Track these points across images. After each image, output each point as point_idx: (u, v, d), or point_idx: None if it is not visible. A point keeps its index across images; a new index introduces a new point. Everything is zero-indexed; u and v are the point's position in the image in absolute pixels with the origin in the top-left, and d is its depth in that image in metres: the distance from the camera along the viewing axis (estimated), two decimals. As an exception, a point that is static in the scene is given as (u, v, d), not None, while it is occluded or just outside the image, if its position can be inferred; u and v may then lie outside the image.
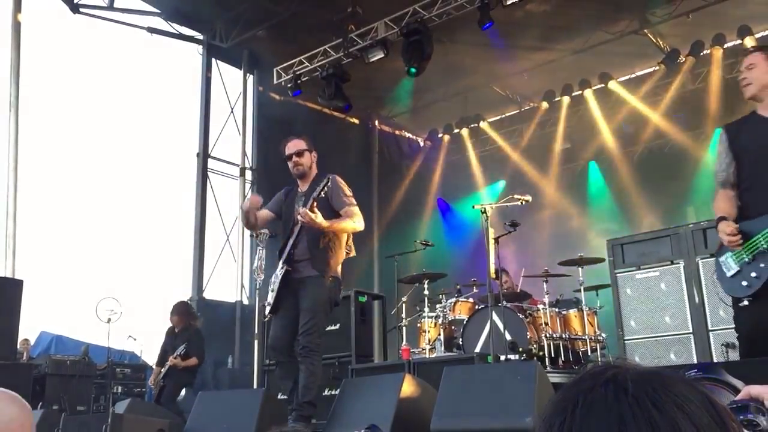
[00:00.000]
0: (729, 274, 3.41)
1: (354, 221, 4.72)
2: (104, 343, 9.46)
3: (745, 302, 3.32)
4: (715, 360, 5.91)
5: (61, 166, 9.97)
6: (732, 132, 3.63)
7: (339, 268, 4.82)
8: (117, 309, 9.38)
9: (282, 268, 4.71)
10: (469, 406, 4.31)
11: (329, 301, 4.76)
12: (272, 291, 4.79)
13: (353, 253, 4.95)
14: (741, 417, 1.02)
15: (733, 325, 5.58)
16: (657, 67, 11.60)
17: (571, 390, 0.79)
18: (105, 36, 10.76)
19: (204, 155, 11.22)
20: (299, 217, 4.47)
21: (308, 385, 4.77)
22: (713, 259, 6.02)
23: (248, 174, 11.88)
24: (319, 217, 4.47)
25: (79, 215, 9.98)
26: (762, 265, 3.26)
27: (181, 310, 8.30)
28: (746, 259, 3.33)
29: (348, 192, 4.86)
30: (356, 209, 4.76)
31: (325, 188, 4.57)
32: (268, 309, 4.83)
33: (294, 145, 5.04)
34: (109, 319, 9.22)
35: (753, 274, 3.29)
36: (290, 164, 5.03)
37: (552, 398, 0.81)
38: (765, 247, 3.25)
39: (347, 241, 4.88)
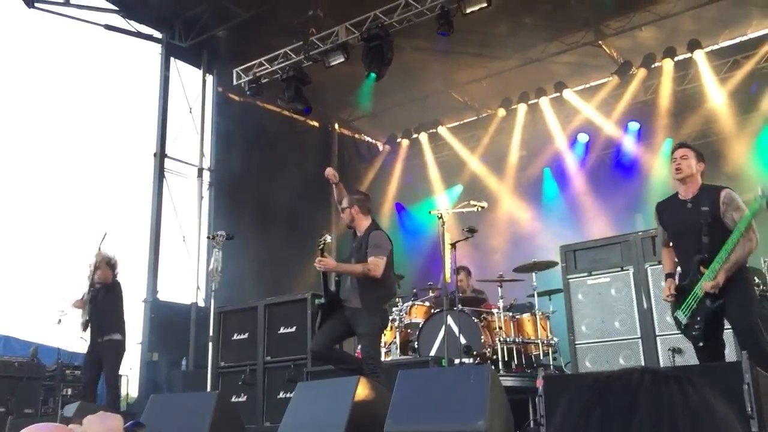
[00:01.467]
0: (683, 324, 4.50)
1: (363, 268, 5.47)
2: (54, 344, 9.30)
3: (700, 344, 4.42)
4: (662, 364, 6.10)
5: (12, 163, 9.75)
6: (660, 210, 4.77)
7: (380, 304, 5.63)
8: (67, 310, 9.21)
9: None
10: (423, 409, 4.36)
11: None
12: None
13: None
14: None
15: (678, 332, 5.86)
16: (610, 78, 11.88)
17: (592, 390, 0.83)
18: (61, 32, 10.59)
19: (161, 155, 11.08)
20: (316, 265, 5.53)
21: None
22: (661, 266, 6.28)
23: (206, 175, 11.77)
24: (331, 262, 5.63)
25: (30, 214, 9.77)
26: (699, 318, 4.41)
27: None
28: (688, 314, 4.46)
29: (377, 243, 5.59)
30: (373, 259, 5.48)
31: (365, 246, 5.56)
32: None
33: (343, 202, 5.97)
34: (60, 320, 9.04)
35: (697, 326, 4.41)
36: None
37: (569, 398, 0.84)
38: (695, 306, 4.42)
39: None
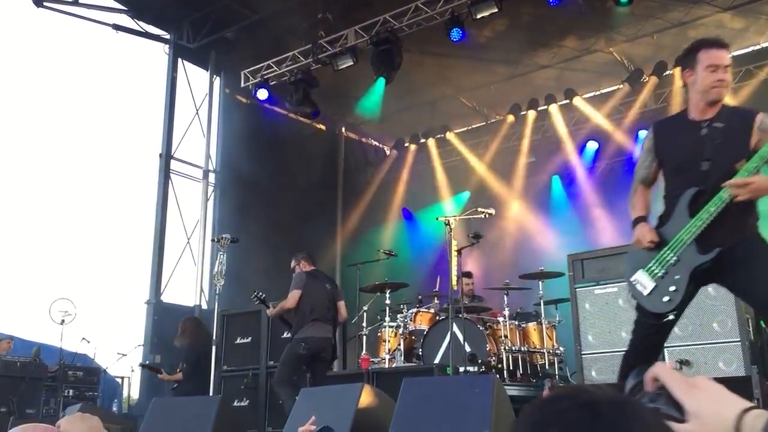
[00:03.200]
0: (646, 292, 3.27)
1: (287, 303, 6.52)
2: (57, 344, 9.25)
3: (671, 317, 3.23)
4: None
5: (18, 162, 9.73)
6: (659, 131, 3.53)
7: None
8: (71, 310, 9.18)
9: None
10: (427, 418, 4.30)
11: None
12: None
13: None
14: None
15: (689, 341, 5.70)
16: (621, 86, 11.80)
17: (546, 409, 0.80)
18: (69, 32, 10.57)
19: (167, 156, 11.05)
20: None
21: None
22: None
23: (211, 177, 11.73)
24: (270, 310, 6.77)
25: (34, 214, 9.75)
26: (677, 277, 3.17)
27: (181, 328, 8.34)
28: (659, 274, 3.24)
29: (294, 281, 6.65)
30: (292, 293, 6.53)
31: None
32: None
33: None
34: (63, 321, 9.01)
35: (671, 288, 3.19)
36: None
37: (523, 416, 0.82)
38: (675, 259, 3.20)
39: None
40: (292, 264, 6.87)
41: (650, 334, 3.34)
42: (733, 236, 3.14)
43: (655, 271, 3.24)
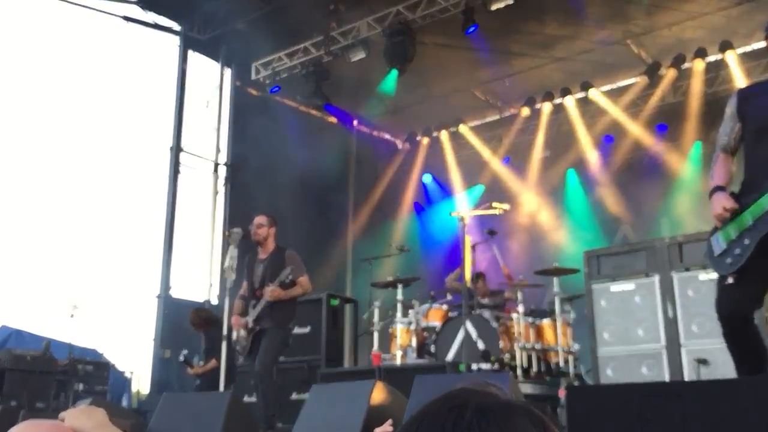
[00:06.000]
0: (717, 252, 3.29)
1: (305, 289, 6.01)
2: (66, 339, 9.22)
3: (730, 280, 3.18)
4: (686, 375, 5.87)
5: (27, 156, 9.68)
6: (744, 95, 3.45)
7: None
8: (80, 304, 9.15)
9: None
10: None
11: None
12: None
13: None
14: None
15: (706, 340, 5.57)
16: (638, 78, 11.60)
17: (423, 409, 0.89)
18: (78, 23, 10.49)
19: (177, 149, 10.97)
20: (267, 297, 5.81)
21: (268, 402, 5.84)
22: (689, 273, 6.00)
23: (221, 170, 11.65)
24: (278, 293, 5.82)
25: (43, 208, 9.70)
26: (747, 241, 3.13)
27: (193, 320, 8.30)
28: (733, 237, 3.21)
29: (300, 263, 6.01)
30: (305, 278, 5.99)
31: (289, 276, 5.83)
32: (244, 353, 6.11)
33: (257, 219, 6.16)
34: (72, 315, 8.98)
35: (737, 251, 3.17)
36: (252, 233, 6.14)
37: (412, 413, 0.89)
38: (751, 223, 3.13)
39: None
40: (271, 228, 6.18)
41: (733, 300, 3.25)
42: None
43: (730, 233, 3.21)
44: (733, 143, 3.45)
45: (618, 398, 3.78)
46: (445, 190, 14.05)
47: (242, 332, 6.01)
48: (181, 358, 8.49)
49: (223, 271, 6.55)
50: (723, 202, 3.25)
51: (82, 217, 9.96)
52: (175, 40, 11.39)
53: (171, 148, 10.94)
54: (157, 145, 10.99)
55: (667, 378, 6.15)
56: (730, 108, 3.45)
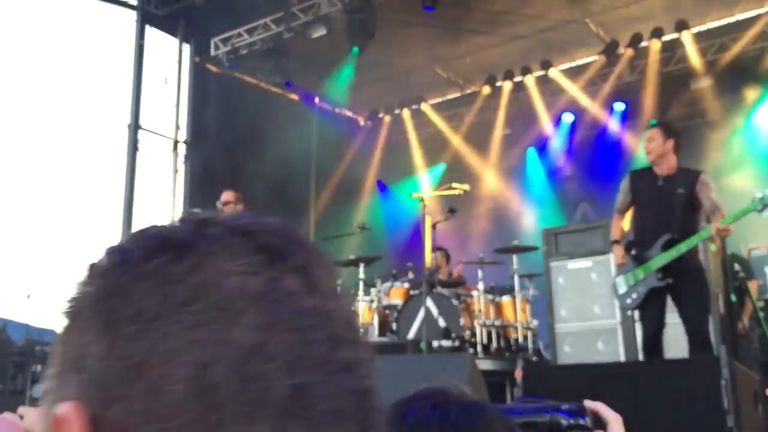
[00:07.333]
0: (620, 292, 4.79)
1: None
2: (23, 320, 9.07)
3: (629, 313, 4.99)
4: (639, 350, 6.06)
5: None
6: (634, 177, 4.95)
7: None
8: (36, 285, 8.99)
9: None
10: (400, 396, 4.25)
11: None
12: None
13: None
14: (574, 421, 1.20)
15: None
16: (596, 57, 11.73)
17: (403, 407, 0.91)
18: (30, -4, 10.16)
19: (135, 126, 10.77)
20: None
21: None
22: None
23: (181, 148, 11.48)
24: None
25: (-2, 185, 9.46)
26: (641, 289, 4.63)
27: None
28: (632, 283, 4.70)
29: None
30: None
31: None
32: None
33: (224, 196, 6.22)
34: (29, 295, 8.83)
35: (634, 295, 4.68)
36: (219, 210, 5.98)
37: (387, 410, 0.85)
38: (642, 277, 4.62)
39: None
40: (238, 205, 6.15)
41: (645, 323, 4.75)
42: (679, 271, 4.54)
43: (629, 280, 4.71)
44: (624, 209, 4.95)
45: (572, 378, 3.91)
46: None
47: None
48: None
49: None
50: (618, 255, 4.80)
51: (39, 196, 9.74)
52: (132, 15, 11.11)
53: (129, 126, 10.74)
54: (115, 122, 10.77)
55: (622, 353, 6.33)
56: (625, 185, 4.95)
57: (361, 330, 7.42)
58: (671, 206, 4.58)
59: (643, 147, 4.87)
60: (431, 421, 0.87)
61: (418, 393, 0.92)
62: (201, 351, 0.45)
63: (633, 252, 4.75)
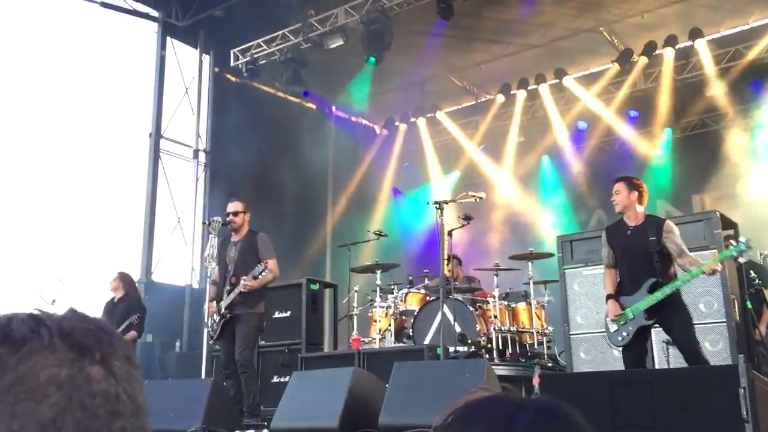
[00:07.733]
0: (611, 330, 5.15)
1: (274, 274, 6.13)
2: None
3: (620, 349, 5.13)
4: (655, 355, 6.12)
5: (5, 141, 9.61)
6: (609, 232, 5.42)
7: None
8: (62, 290, 9.16)
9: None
10: (417, 402, 4.36)
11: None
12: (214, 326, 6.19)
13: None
14: None
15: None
16: (611, 65, 11.79)
17: (472, 405, 0.83)
18: (55, 8, 10.39)
19: (156, 135, 11.00)
20: (241, 288, 5.91)
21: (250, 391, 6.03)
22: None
23: (201, 156, 11.69)
24: (251, 282, 5.92)
25: (23, 194, 9.67)
26: (630, 328, 5.02)
27: (124, 277, 8.04)
28: (621, 323, 5.08)
29: (271, 247, 6.22)
30: (273, 261, 6.12)
31: (262, 272, 5.95)
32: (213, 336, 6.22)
33: (232, 206, 6.24)
34: (54, 301, 9.00)
35: (624, 333, 5.06)
36: (228, 219, 6.23)
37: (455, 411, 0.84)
38: (631, 317, 5.00)
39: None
40: (246, 214, 6.26)
41: (629, 359, 5.11)
42: (661, 304, 4.93)
43: (619, 320, 5.08)
44: (611, 262, 5.31)
45: (589, 386, 3.98)
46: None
47: (215, 316, 6.12)
48: None
49: (203, 259, 6.65)
50: (612, 310, 5.12)
51: (63, 204, 9.94)
52: (154, 27, 11.35)
53: (150, 135, 10.96)
54: (137, 131, 10.99)
55: (636, 359, 6.38)
56: (604, 239, 5.40)
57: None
58: (646, 253, 5.00)
59: (611, 199, 5.31)
60: (502, 422, 0.79)
61: (530, 402, 0.83)
62: (14, 421, 0.63)
63: (621, 298, 5.18)
